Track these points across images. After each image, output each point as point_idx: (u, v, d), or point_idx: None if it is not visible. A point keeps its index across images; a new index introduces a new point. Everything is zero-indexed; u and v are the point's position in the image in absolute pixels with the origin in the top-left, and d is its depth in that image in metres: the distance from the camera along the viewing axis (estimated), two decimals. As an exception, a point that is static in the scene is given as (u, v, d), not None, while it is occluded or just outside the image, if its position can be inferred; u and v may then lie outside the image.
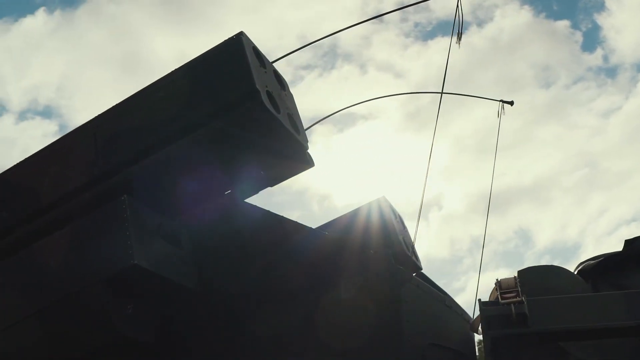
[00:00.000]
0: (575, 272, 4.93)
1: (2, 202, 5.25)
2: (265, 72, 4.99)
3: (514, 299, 3.62)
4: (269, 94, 4.77)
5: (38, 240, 4.94)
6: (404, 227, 7.78)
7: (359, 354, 4.62)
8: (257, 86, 4.61)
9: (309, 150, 5.16)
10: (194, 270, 5.05)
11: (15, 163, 5.39)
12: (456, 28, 5.74)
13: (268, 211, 5.17)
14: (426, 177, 8.50)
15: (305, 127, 5.37)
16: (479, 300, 3.83)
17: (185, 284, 4.93)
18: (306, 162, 4.96)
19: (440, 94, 8.10)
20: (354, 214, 7.56)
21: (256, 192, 5.13)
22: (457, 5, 5.58)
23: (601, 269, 4.63)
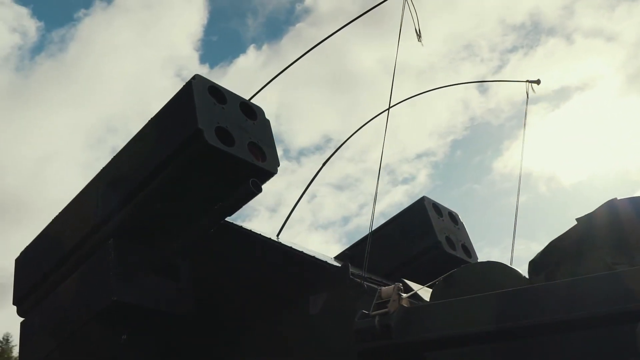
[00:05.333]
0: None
1: (42, 254, 6.18)
2: (224, 107, 5.34)
3: (382, 310, 3.59)
4: (220, 130, 5.12)
5: (61, 283, 5.76)
6: (456, 223, 7.63)
7: None
8: (200, 125, 4.98)
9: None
10: (190, 298, 5.52)
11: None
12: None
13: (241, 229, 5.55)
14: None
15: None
16: (362, 311, 3.82)
17: (178, 313, 5.42)
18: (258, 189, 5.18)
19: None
20: (395, 219, 7.60)
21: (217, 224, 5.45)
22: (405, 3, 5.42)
23: (553, 257, 4.29)
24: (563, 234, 4.26)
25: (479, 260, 7.47)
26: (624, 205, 4.15)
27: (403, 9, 5.37)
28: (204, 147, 4.98)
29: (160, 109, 5.46)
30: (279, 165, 5.51)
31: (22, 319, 6.14)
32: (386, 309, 3.56)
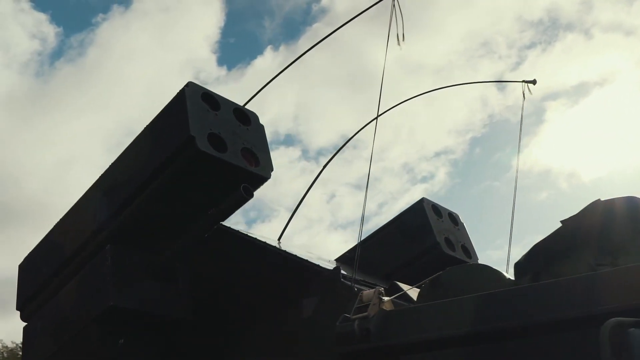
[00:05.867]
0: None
1: (44, 260, 6.30)
2: (217, 114, 5.42)
3: (362, 314, 3.64)
4: (213, 136, 5.20)
5: (62, 288, 5.88)
6: (456, 224, 7.65)
7: None
8: (192, 132, 5.07)
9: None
10: (188, 302, 5.60)
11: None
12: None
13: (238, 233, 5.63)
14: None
15: None
16: (344, 315, 3.87)
17: (178, 317, 5.51)
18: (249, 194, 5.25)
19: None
20: (394, 220, 7.64)
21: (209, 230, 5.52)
22: (392, 5, 5.45)
23: (541, 258, 4.31)
24: (548, 235, 4.28)
25: (478, 262, 7.49)
26: (609, 207, 4.16)
27: (391, 13, 5.42)
28: (196, 154, 5.06)
29: (155, 116, 5.55)
30: (272, 170, 5.58)
31: (25, 323, 6.28)
32: (366, 313, 3.61)
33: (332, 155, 8.03)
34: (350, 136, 7.85)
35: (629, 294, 3.00)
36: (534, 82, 6.78)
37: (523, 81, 6.82)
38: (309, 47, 7.18)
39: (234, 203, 5.21)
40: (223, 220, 5.45)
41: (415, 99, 7.99)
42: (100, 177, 5.97)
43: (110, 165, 5.91)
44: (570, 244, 4.19)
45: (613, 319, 2.68)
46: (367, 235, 7.63)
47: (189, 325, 5.57)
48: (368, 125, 7.68)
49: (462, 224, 7.75)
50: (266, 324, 5.30)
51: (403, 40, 5.58)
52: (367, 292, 3.78)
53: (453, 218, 7.66)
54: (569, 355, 3.08)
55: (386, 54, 5.27)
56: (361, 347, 3.56)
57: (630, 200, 4.16)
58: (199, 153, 5.05)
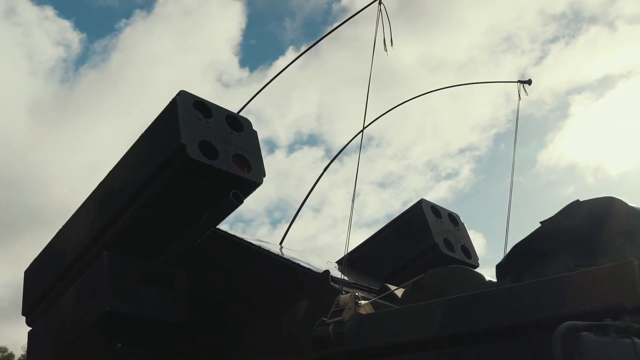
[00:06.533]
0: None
1: (47, 267, 6.46)
2: (209, 121, 5.51)
3: (337, 318, 3.70)
4: (204, 144, 5.29)
5: (63, 294, 6.03)
6: (456, 225, 7.66)
7: None
8: (183, 140, 5.16)
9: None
10: (184, 306, 5.72)
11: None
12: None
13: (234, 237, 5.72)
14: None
15: None
16: (322, 319, 3.93)
17: (174, 320, 5.62)
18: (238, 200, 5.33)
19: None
20: (393, 222, 7.68)
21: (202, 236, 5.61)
22: (379, 9, 5.49)
23: (521, 259, 4.34)
24: (527, 236, 4.30)
25: (478, 261, 7.51)
26: (588, 207, 4.17)
27: (377, 19, 5.46)
28: (187, 161, 5.15)
29: (149, 124, 5.66)
30: (264, 176, 5.65)
31: (30, 328, 6.45)
32: (340, 317, 3.68)
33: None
34: (338, 152, 7.94)
35: (592, 296, 3.03)
36: (529, 82, 6.78)
37: (519, 81, 6.82)
38: (309, 47, 7.29)
39: (224, 209, 5.30)
40: (215, 226, 5.54)
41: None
42: (97, 185, 6.11)
43: (108, 173, 6.04)
44: (549, 245, 4.22)
45: (566, 322, 2.71)
46: (367, 238, 7.71)
47: (186, 328, 5.68)
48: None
49: (463, 224, 7.77)
50: (261, 326, 5.39)
51: (392, 45, 5.61)
52: (344, 297, 3.85)
53: (453, 218, 7.68)
54: (532, 358, 3.11)
55: (372, 60, 5.29)
56: (336, 351, 3.62)
57: (609, 200, 4.17)
58: (190, 161, 5.14)
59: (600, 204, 4.16)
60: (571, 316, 2.96)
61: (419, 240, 7.19)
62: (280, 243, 7.71)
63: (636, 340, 2.71)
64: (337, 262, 7.56)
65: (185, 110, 5.37)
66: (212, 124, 5.52)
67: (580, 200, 4.21)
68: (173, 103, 5.42)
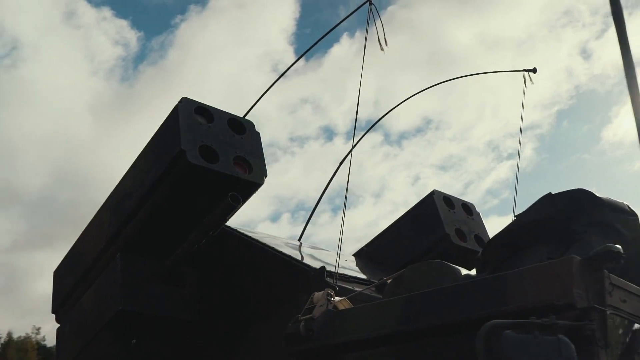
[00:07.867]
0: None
1: (72, 267, 6.86)
2: (210, 126, 5.74)
3: (308, 315, 3.87)
4: (205, 148, 5.52)
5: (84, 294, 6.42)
6: (470, 214, 7.69)
7: None
8: (183, 146, 5.41)
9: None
10: (196, 304, 5.99)
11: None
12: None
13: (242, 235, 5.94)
14: None
15: None
16: (297, 316, 4.11)
17: (185, 319, 5.91)
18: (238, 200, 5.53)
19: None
20: (407, 213, 7.75)
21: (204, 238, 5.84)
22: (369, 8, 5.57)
23: (497, 252, 4.40)
24: (503, 229, 4.37)
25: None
26: (559, 200, 4.21)
27: (368, 18, 5.55)
28: (187, 166, 5.40)
29: (154, 133, 5.93)
30: (266, 176, 5.84)
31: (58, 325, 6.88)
32: (311, 315, 3.85)
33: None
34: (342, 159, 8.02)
35: (532, 293, 3.11)
36: (534, 70, 6.74)
37: (524, 70, 6.79)
38: (309, 48, 7.42)
39: (224, 211, 5.51)
40: (218, 227, 5.74)
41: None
42: (113, 190, 6.44)
43: (120, 179, 6.37)
44: (525, 238, 4.28)
45: (490, 321, 2.82)
46: (381, 231, 7.82)
47: (198, 326, 5.96)
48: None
49: (478, 213, 7.78)
50: (271, 321, 5.58)
51: (386, 44, 5.69)
52: (318, 294, 4.01)
53: (467, 208, 7.69)
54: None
55: (363, 61, 5.37)
56: (307, 347, 3.80)
57: (581, 192, 4.20)
58: (190, 165, 5.38)
59: (571, 197, 4.20)
60: (510, 314, 3.06)
61: (431, 231, 7.25)
62: (300, 237, 7.91)
63: (562, 337, 2.79)
64: (353, 255, 7.72)
65: (186, 117, 5.61)
66: (214, 128, 5.73)
67: (552, 193, 4.26)
68: (175, 110, 5.67)
